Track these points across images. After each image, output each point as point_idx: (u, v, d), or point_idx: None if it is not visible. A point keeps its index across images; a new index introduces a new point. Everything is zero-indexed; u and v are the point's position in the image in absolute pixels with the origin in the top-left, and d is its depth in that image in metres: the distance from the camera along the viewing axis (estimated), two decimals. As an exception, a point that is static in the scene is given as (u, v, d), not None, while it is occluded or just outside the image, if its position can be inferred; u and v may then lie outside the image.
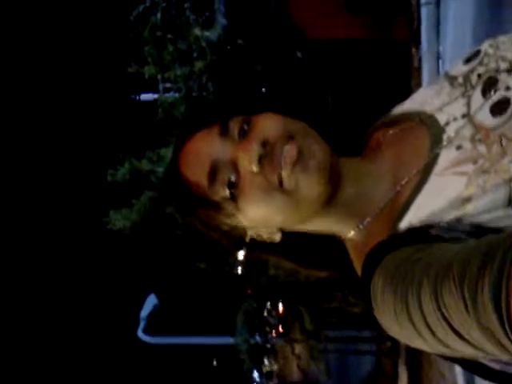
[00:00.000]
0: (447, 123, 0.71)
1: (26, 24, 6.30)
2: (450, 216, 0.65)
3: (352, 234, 0.77)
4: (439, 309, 0.55)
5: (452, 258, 0.55)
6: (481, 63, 0.75)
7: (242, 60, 4.84)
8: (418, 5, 5.04)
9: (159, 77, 5.19)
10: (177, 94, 5.21)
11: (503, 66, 0.71)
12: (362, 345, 6.39)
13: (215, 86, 4.90)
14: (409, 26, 5.20)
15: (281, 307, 5.52)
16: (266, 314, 5.47)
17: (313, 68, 5.35)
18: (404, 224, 0.69)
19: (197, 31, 4.55)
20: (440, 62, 4.94)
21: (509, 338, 0.48)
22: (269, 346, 6.39)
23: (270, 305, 5.42)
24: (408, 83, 5.27)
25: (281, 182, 0.71)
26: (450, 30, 4.71)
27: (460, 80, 0.75)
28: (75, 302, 8.13)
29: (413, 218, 0.68)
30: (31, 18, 6.39)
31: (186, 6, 4.68)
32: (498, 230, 0.61)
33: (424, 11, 5.03)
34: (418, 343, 0.63)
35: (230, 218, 0.77)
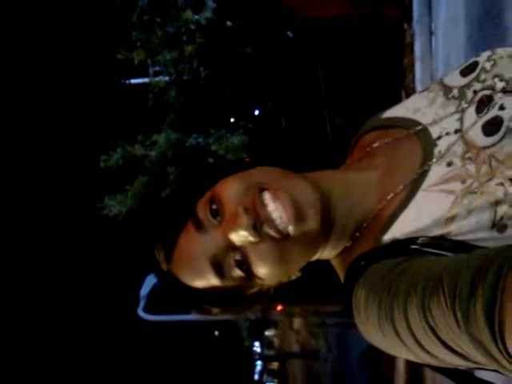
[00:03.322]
0: (439, 137, 0.72)
1: (15, 9, 6.17)
2: (434, 233, 0.65)
3: (341, 249, 0.76)
4: (426, 320, 0.55)
5: (441, 271, 0.55)
6: (477, 79, 0.74)
7: (232, 42, 4.76)
8: (410, -19, 4.95)
9: (149, 61, 5.11)
10: (167, 78, 5.14)
11: (499, 85, 0.71)
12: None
13: (206, 69, 4.84)
14: (400, 2, 5.12)
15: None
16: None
17: (304, 48, 5.28)
18: (388, 237, 0.69)
19: (186, 14, 4.46)
20: (433, 38, 4.89)
21: (499, 349, 0.48)
22: (269, 319, 6.46)
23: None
24: (401, 60, 5.22)
25: (285, 235, 0.70)
26: (443, 6, 4.64)
27: (455, 93, 0.75)
28: (78, 284, 8.22)
29: (397, 231, 0.68)
30: (20, 4, 6.25)
31: (173, -12, 4.59)
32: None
33: (416, -13, 4.95)
34: (402, 352, 0.63)
35: (255, 288, 0.76)
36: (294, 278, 0.78)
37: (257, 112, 5.57)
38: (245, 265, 0.71)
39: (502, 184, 0.63)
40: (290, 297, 0.82)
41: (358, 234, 0.74)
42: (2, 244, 7.27)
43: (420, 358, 0.61)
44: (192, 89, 4.97)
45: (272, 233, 0.69)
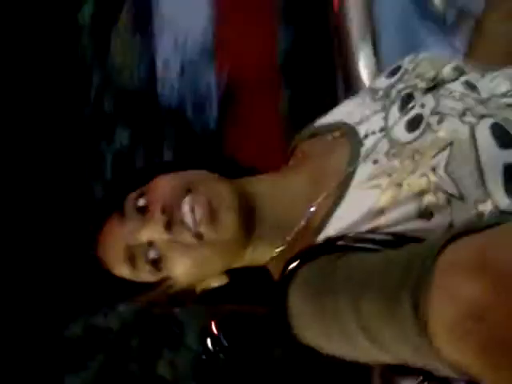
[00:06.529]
0: (366, 136, 0.74)
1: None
2: (364, 228, 0.66)
3: (275, 254, 0.77)
4: (358, 320, 0.56)
5: (371, 270, 0.58)
6: (400, 79, 0.79)
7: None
8: None
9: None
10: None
11: (421, 84, 0.76)
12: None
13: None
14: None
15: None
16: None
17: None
18: (322, 237, 0.70)
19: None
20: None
21: (425, 343, 0.50)
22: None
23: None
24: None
25: (199, 236, 0.72)
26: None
27: (381, 94, 0.79)
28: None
29: (331, 231, 0.70)
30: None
31: None
32: (415, 239, 0.63)
33: None
34: (334, 350, 0.65)
35: (171, 287, 0.76)
36: (217, 284, 0.78)
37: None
38: (159, 263, 0.73)
39: (425, 174, 0.65)
40: (219, 299, 0.82)
41: (289, 239, 0.75)
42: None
43: (352, 356, 0.63)
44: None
45: (185, 235, 0.72)
